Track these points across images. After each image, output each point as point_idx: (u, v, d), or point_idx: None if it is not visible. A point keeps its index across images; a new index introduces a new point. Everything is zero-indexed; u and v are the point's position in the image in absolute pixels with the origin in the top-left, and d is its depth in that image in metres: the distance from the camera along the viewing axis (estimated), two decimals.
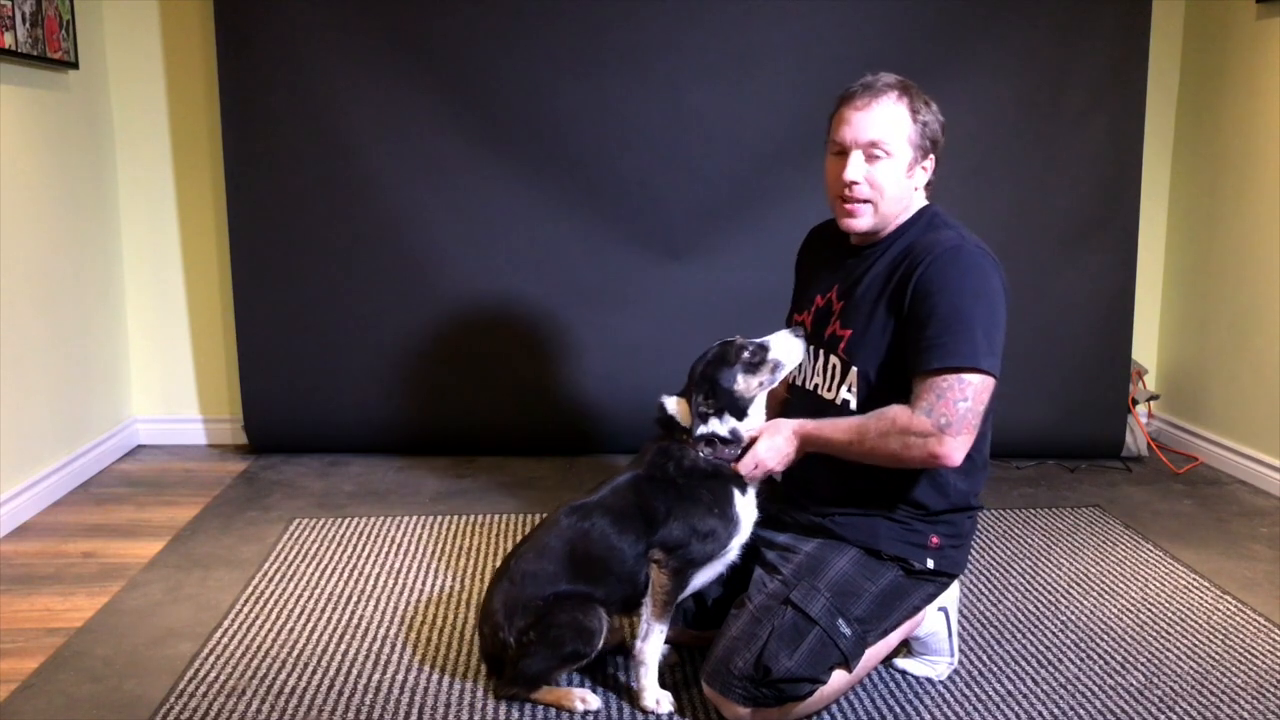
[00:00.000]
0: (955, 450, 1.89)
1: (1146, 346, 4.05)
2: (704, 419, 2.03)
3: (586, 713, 2.06)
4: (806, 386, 2.17)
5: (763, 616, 1.97)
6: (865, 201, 2.03)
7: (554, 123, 3.58)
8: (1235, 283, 3.60)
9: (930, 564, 2.05)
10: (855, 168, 2.02)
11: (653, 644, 2.05)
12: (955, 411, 1.87)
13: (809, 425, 2.03)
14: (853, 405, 2.04)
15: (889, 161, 2.01)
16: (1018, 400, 3.70)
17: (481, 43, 3.52)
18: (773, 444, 2.03)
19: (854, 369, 2.04)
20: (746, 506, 2.07)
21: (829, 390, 2.10)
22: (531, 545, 2.09)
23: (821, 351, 2.12)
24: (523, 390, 3.72)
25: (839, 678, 1.99)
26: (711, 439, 2.04)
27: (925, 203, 2.11)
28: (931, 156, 2.06)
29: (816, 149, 2.21)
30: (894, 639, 2.10)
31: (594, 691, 2.11)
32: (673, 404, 2.09)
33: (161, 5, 3.65)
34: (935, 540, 2.05)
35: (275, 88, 3.53)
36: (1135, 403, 3.81)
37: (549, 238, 3.66)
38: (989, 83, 3.60)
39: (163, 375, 3.88)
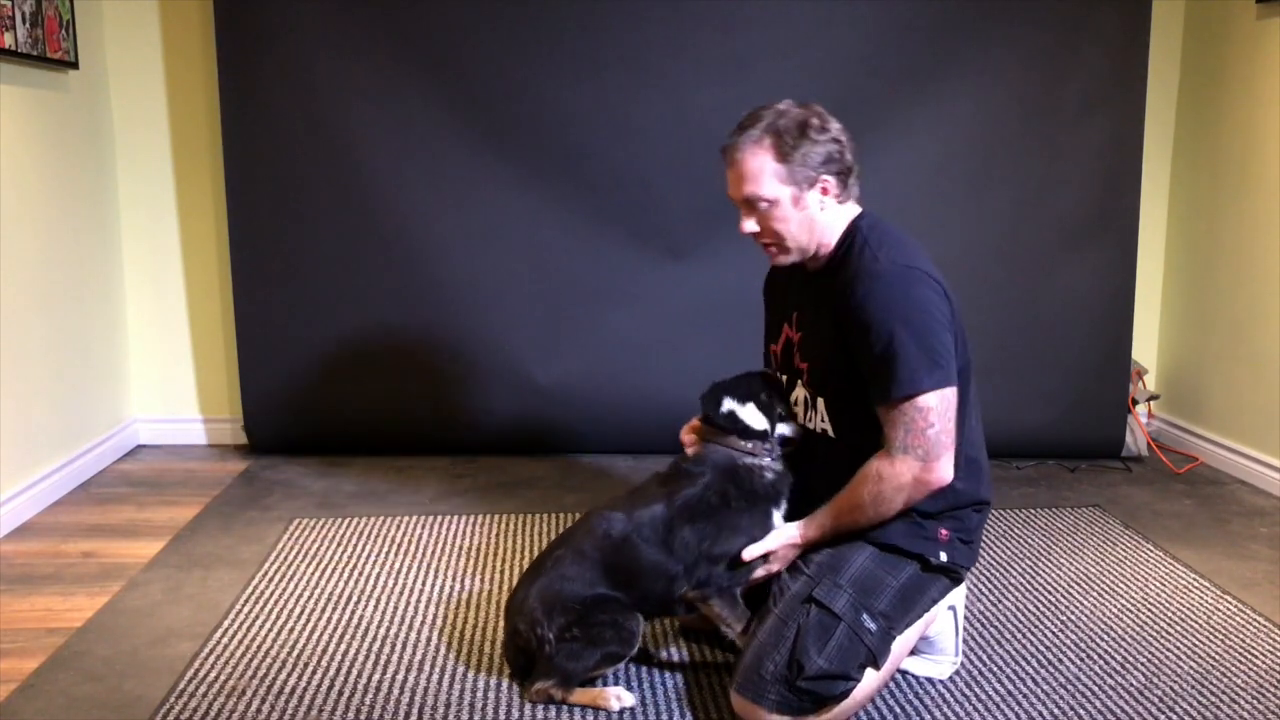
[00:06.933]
0: (944, 471, 1.95)
1: (1146, 346, 4.04)
2: (774, 426, 2.15)
3: (622, 710, 2.06)
4: (800, 420, 2.22)
5: (788, 617, 1.97)
6: (772, 244, 2.10)
7: (555, 123, 3.58)
8: (1235, 282, 3.60)
9: (944, 557, 2.06)
10: (746, 221, 2.09)
11: None
12: (927, 440, 1.92)
13: (811, 529, 2.07)
14: (831, 434, 2.09)
15: (770, 208, 2.04)
16: (1018, 400, 3.74)
17: (482, 42, 3.52)
18: (782, 552, 2.09)
19: (820, 400, 2.09)
20: (780, 522, 2.13)
21: (809, 420, 2.15)
22: (571, 550, 2.10)
23: (799, 384, 2.16)
24: (522, 390, 3.71)
25: (870, 678, 1.99)
26: (783, 439, 2.16)
27: (855, 213, 2.10)
28: (826, 177, 2.03)
29: None
30: (913, 636, 2.10)
31: (629, 690, 2.12)
32: (746, 410, 2.13)
33: (161, 5, 3.65)
34: (944, 533, 2.07)
35: (275, 88, 3.53)
36: (1135, 403, 3.81)
37: (549, 237, 3.66)
38: (989, 83, 3.61)
39: (163, 375, 3.88)
